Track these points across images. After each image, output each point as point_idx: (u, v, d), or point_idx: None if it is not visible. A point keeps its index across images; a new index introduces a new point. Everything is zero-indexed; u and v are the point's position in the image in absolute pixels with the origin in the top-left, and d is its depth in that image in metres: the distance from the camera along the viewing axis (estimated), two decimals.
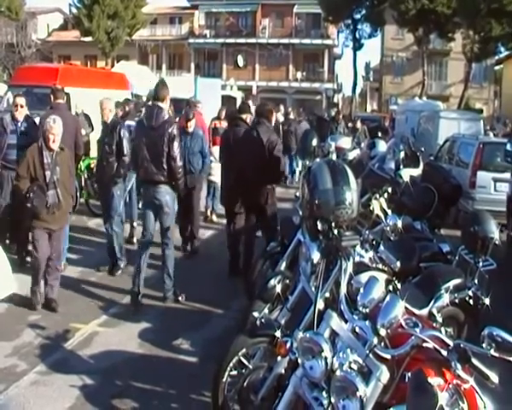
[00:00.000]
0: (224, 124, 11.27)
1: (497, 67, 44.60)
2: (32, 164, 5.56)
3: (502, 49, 31.86)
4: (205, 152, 8.02)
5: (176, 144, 5.81)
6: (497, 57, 38.75)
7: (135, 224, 8.44)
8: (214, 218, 10.18)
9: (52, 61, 39.67)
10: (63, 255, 6.65)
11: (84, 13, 35.37)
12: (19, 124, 6.92)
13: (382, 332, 2.41)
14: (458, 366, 2.23)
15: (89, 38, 36.79)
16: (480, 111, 31.73)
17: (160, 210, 5.93)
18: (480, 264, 4.09)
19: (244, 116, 7.13)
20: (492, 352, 2.18)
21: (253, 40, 45.87)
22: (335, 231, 2.98)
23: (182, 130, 7.23)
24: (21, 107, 6.95)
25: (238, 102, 20.92)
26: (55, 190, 5.55)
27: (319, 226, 3.06)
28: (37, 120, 7.34)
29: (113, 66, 28.93)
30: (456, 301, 4.02)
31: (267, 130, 6.51)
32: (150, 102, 6.79)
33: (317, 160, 4.72)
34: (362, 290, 2.60)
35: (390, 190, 5.36)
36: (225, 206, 7.23)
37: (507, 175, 9.27)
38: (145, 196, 6.22)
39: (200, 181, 8.34)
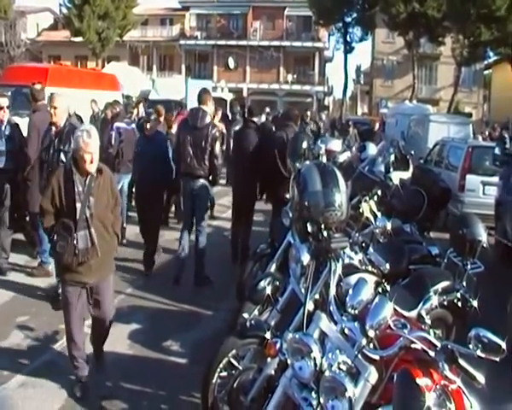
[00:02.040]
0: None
1: (486, 72, 44.98)
2: (58, 193, 4.01)
3: (491, 53, 32.18)
4: (168, 159, 7.10)
5: (218, 144, 6.57)
6: (486, 62, 39.08)
7: (125, 225, 8.42)
8: None
9: (42, 61, 39.50)
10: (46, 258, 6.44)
11: (74, 13, 35.18)
12: (2, 127, 6.48)
13: (371, 333, 2.44)
14: (445, 366, 2.26)
15: (79, 39, 36.61)
16: (470, 115, 32.01)
17: (196, 200, 6.63)
18: (469, 266, 4.13)
19: (256, 119, 7.79)
20: (479, 352, 2.21)
21: (243, 42, 45.94)
22: (325, 233, 3.00)
23: (141, 134, 7.16)
24: (8, 108, 6.55)
25: (228, 105, 21.01)
26: (88, 229, 3.99)
27: (309, 228, 3.08)
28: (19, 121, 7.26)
29: (103, 66, 28.88)
30: (445, 303, 4.06)
31: (294, 132, 7.24)
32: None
33: (307, 162, 4.74)
34: (351, 292, 2.63)
35: (380, 192, 5.39)
36: (235, 201, 7.66)
37: (495, 179, 9.35)
38: (185, 188, 6.80)
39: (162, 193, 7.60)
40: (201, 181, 6.59)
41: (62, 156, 5.66)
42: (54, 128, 5.87)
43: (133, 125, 9.03)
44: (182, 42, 46.87)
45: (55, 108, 5.77)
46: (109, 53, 37.27)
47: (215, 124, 6.86)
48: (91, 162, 3.98)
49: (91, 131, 4.02)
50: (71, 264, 4.02)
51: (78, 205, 3.97)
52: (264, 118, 16.44)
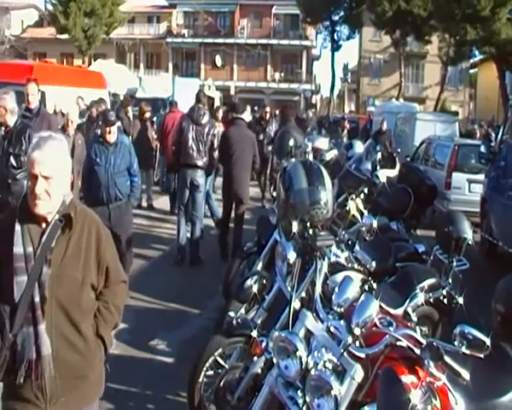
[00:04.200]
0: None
1: (472, 71, 45.32)
2: None
3: (476, 52, 32.38)
4: (133, 168, 5.86)
5: (216, 140, 7.36)
6: (471, 61, 39.35)
7: None
8: None
9: (27, 58, 39.01)
10: None
11: (59, 10, 34.72)
12: None
13: (357, 331, 2.43)
14: (431, 363, 2.26)
15: (65, 36, 36.23)
16: (456, 113, 32.27)
17: (196, 188, 7.27)
18: (454, 264, 4.13)
19: (240, 115, 7.92)
20: (464, 349, 2.21)
21: (231, 40, 45.85)
22: (310, 231, 2.99)
23: (97, 140, 5.88)
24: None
25: (216, 103, 21.00)
26: (33, 326, 2.23)
27: (294, 226, 3.07)
28: None
29: (90, 64, 28.62)
30: (431, 300, 4.06)
31: (293, 127, 8.01)
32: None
33: (293, 160, 4.73)
34: (337, 290, 2.62)
35: (366, 190, 5.39)
36: (225, 198, 7.78)
37: (481, 176, 9.43)
38: (183, 178, 7.33)
39: (129, 212, 6.14)
40: (200, 171, 7.24)
41: (12, 160, 5.12)
42: (3, 129, 5.20)
43: (119, 123, 8.98)
44: (169, 40, 46.65)
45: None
46: (96, 50, 36.92)
47: (213, 122, 7.68)
48: (35, 197, 2.21)
49: (46, 140, 2.28)
50: (8, 385, 2.29)
51: (21, 279, 2.20)
52: (249, 116, 16.31)
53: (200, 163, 7.21)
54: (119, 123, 8.80)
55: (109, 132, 5.62)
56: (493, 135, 13.82)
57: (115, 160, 5.65)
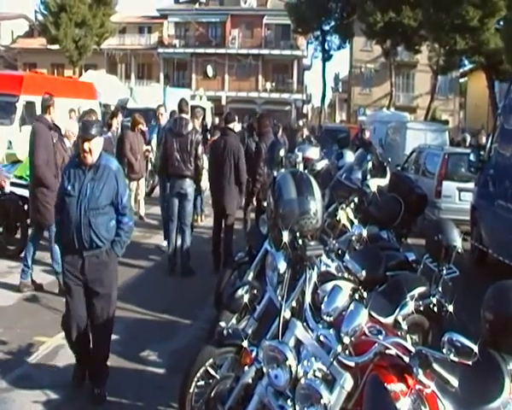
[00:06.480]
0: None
1: (461, 80, 45.73)
2: None
3: (466, 62, 32.72)
4: (122, 204, 4.13)
5: (200, 148, 7.41)
6: (461, 70, 39.73)
7: None
8: None
9: (17, 68, 38.93)
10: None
11: (50, 20, 34.66)
12: None
13: (346, 340, 2.43)
14: (420, 371, 2.27)
15: (55, 46, 36.18)
16: (446, 122, 32.50)
17: (184, 198, 7.37)
18: (444, 272, 4.16)
19: (231, 125, 7.78)
20: (452, 357, 2.23)
21: (222, 50, 46.05)
22: (300, 241, 3.00)
23: (73, 161, 4.24)
24: None
25: (208, 113, 21.08)
26: None
27: (284, 236, 3.08)
28: None
29: (80, 75, 28.62)
30: (421, 308, 4.09)
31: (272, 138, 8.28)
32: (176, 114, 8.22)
33: (283, 170, 4.74)
34: (326, 299, 2.62)
35: (356, 199, 5.42)
36: (215, 209, 7.82)
37: (471, 185, 9.51)
38: (172, 188, 7.46)
39: (113, 264, 4.25)
40: (188, 180, 7.34)
41: None
42: None
43: (109, 134, 9.00)
44: (160, 50, 46.75)
45: None
46: (87, 61, 36.90)
47: (197, 130, 7.62)
48: None
49: None
50: None
51: None
52: (238, 126, 16.24)
53: (187, 173, 7.32)
54: (109, 134, 8.68)
55: (84, 151, 3.97)
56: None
57: (93, 189, 4.00)
